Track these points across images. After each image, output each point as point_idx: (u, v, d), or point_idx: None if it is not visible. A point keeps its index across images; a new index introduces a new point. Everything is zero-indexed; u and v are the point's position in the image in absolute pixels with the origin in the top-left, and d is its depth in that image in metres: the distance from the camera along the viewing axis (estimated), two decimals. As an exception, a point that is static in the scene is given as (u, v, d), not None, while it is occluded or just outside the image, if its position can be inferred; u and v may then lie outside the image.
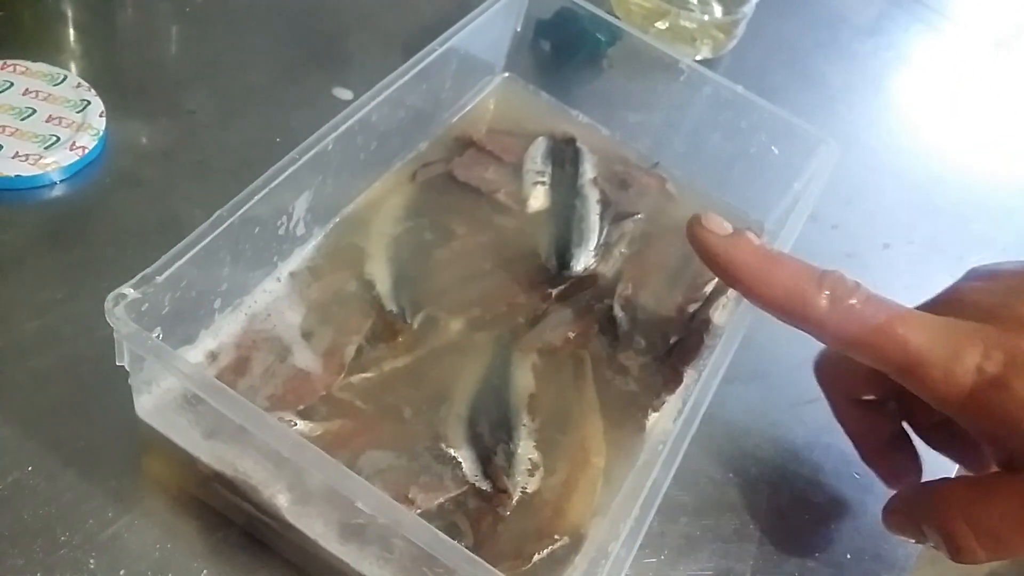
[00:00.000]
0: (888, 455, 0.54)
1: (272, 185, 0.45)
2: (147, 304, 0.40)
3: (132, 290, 0.39)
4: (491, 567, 0.37)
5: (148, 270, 0.40)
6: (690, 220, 0.47)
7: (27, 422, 0.46)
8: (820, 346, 0.64)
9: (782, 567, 0.53)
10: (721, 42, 0.82)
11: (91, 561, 0.43)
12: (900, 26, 0.98)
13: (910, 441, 0.54)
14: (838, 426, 0.55)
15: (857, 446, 0.55)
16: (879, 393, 0.53)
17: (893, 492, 0.51)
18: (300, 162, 0.47)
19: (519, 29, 0.67)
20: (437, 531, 0.37)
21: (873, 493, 0.57)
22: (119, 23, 0.70)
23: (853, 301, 0.44)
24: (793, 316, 0.45)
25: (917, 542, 0.49)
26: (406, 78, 0.53)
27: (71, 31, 0.67)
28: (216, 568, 0.44)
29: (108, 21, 0.69)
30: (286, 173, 0.46)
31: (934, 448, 0.53)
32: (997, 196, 0.82)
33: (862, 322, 0.44)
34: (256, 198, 0.44)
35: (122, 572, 0.43)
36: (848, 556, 0.54)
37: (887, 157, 0.82)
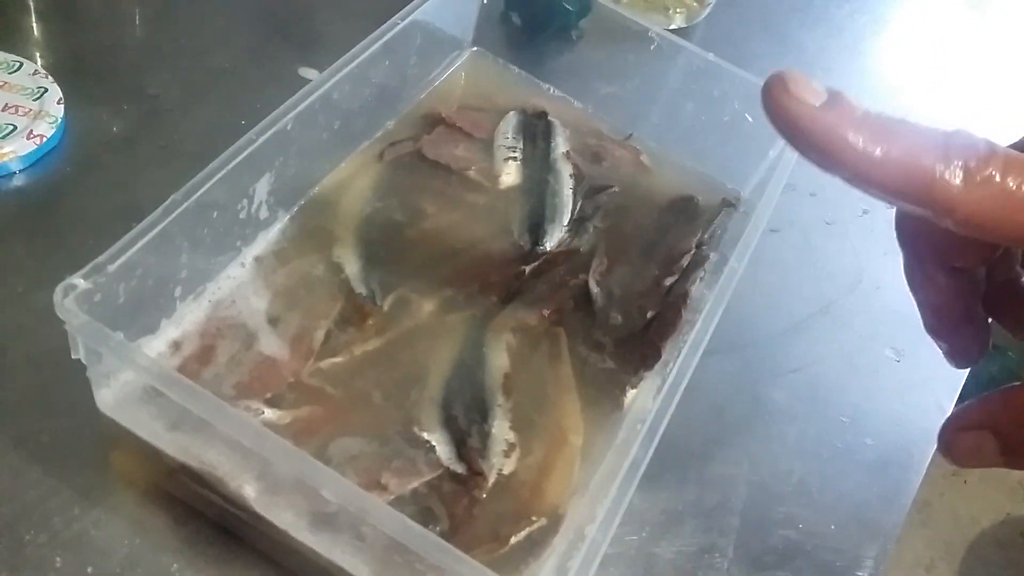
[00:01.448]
0: (961, 329, 0.47)
1: (228, 168, 0.44)
2: (100, 294, 0.39)
3: (83, 280, 0.38)
4: (461, 553, 0.36)
5: (99, 259, 0.39)
6: (769, 82, 0.35)
7: (-12, 418, 0.45)
8: (806, 315, 0.64)
9: (766, 540, 0.52)
10: (695, 10, 0.80)
11: (57, 559, 0.42)
12: (876, -11, 0.97)
13: (985, 317, 0.46)
14: (819, 395, 0.54)
15: (929, 317, 0.47)
16: (977, 260, 0.45)
17: (880, 478, 0.49)
18: (257, 143, 0.45)
19: (486, 1, 0.66)
20: (406, 518, 0.36)
21: (855, 462, 0.56)
22: (79, 7, 0.68)
23: (990, 171, 0.37)
24: (915, 201, 0.35)
25: (985, 466, 0.43)
26: (366, 54, 0.52)
27: (30, 17, 0.66)
28: (187, 562, 0.43)
29: (68, 6, 0.68)
30: (243, 155, 0.45)
31: (994, 316, 0.46)
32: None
33: (1006, 198, 0.34)
34: (211, 182, 0.43)
35: (90, 570, 0.42)
36: (832, 526, 0.53)
37: (866, 122, 0.81)
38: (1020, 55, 0.95)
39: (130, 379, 0.42)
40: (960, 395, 0.63)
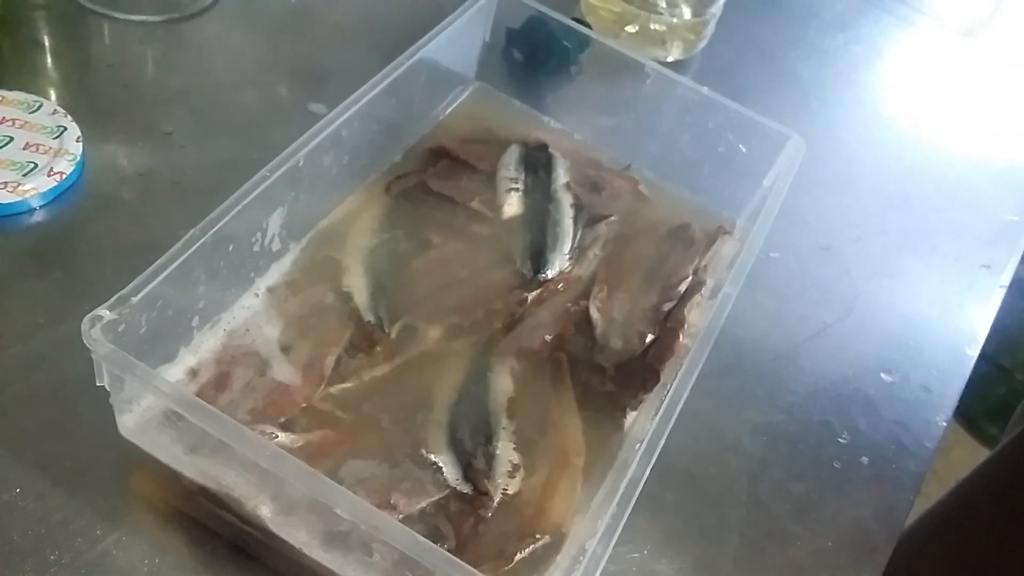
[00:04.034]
0: None
1: (243, 203, 0.46)
2: (124, 325, 0.41)
3: (108, 311, 0.40)
4: (471, 568, 0.37)
5: (123, 291, 0.41)
6: None
7: (14, 445, 0.47)
8: (803, 338, 0.65)
9: (764, 557, 0.53)
10: (692, 43, 0.83)
11: (81, 579, 0.44)
12: (870, 19, 0.99)
13: None
14: (816, 416, 0.55)
15: None
16: None
17: (877, 497, 0.50)
18: (271, 179, 0.48)
19: (488, 39, 0.68)
20: (416, 535, 0.38)
21: (852, 480, 0.58)
22: (94, 49, 0.70)
23: None
24: None
25: None
26: (374, 92, 0.54)
27: (47, 59, 0.68)
28: (204, 580, 0.45)
29: (83, 47, 0.70)
30: (257, 191, 0.47)
31: None
32: (968, 184, 0.83)
33: None
34: (227, 217, 0.45)
35: (112, 589, 0.44)
36: (829, 544, 0.55)
37: (859, 150, 0.83)
38: (1013, 82, 0.98)
39: (151, 405, 0.44)
40: (967, 417, 0.64)
